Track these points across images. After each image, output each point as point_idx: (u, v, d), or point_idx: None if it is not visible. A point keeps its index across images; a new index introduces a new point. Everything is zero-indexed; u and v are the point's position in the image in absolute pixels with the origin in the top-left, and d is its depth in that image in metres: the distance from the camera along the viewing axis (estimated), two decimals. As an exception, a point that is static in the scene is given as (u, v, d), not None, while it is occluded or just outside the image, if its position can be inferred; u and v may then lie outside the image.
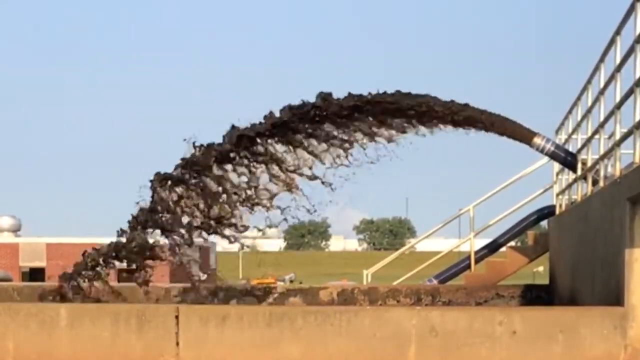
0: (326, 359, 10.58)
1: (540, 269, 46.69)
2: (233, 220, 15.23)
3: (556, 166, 18.76)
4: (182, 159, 15.07)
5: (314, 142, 15.11)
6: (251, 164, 15.18)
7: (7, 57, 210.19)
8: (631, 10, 11.23)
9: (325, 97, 14.81)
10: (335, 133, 15.04)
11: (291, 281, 56.74)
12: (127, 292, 15.51)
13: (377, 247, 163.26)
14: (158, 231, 15.23)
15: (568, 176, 17.11)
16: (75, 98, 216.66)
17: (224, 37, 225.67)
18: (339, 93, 14.91)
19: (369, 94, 14.79)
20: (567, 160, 15.69)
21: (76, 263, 15.28)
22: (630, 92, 11.11)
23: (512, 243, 21.13)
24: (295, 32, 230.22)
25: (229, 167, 15.16)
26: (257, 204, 15.24)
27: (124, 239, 15.13)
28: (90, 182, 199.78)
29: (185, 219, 15.15)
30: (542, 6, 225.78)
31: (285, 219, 15.30)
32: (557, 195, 18.89)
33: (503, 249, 20.58)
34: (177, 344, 10.78)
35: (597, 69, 13.75)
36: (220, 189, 15.15)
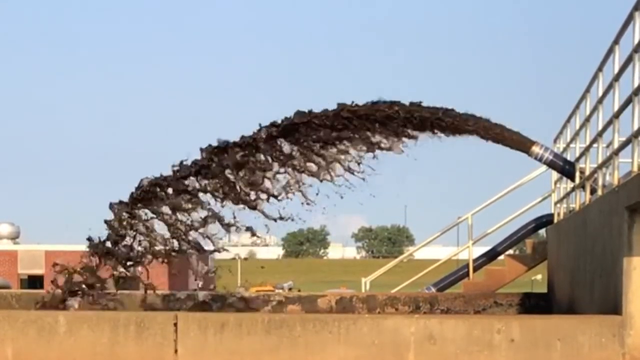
0: (325, 367, 10.59)
1: (539, 277, 46.72)
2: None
3: (554, 175, 18.78)
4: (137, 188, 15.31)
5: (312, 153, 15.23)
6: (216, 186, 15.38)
7: (5, 62, 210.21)
8: (629, 19, 11.25)
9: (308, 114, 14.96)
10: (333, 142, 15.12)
11: (289, 289, 56.73)
12: (125, 299, 15.52)
13: (375, 254, 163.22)
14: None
15: (566, 185, 17.13)
16: (74, 105, 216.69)
17: (221, 42, 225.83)
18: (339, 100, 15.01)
19: (366, 103, 14.84)
20: (566, 168, 15.70)
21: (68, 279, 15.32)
22: (628, 101, 11.13)
23: (511, 251, 21.15)
24: (296, 38, 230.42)
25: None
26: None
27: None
28: (89, 190, 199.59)
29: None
30: (540, 14, 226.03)
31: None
32: (556, 203, 18.91)
33: (501, 257, 20.60)
34: (176, 351, 10.78)
35: (595, 77, 13.77)
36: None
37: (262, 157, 15.30)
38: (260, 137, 15.19)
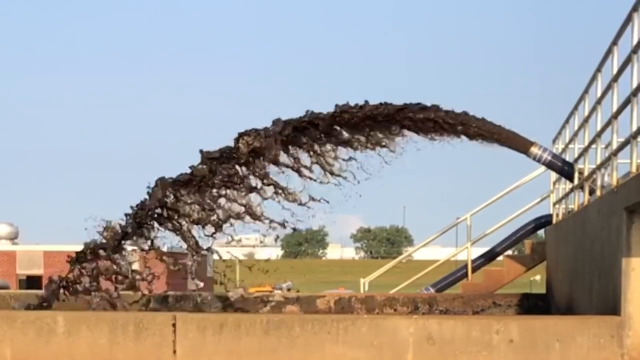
0: (323, 367, 10.60)
1: (537, 277, 46.75)
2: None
3: (553, 175, 18.78)
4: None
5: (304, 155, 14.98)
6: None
7: (4, 62, 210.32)
8: (628, 20, 11.26)
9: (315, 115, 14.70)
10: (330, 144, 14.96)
11: (288, 289, 56.70)
12: (124, 299, 15.51)
13: (374, 255, 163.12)
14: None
15: (565, 185, 17.13)
16: (74, 105, 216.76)
17: (225, 45, 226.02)
18: (336, 101, 14.92)
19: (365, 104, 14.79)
20: (564, 169, 15.70)
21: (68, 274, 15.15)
22: (627, 102, 11.14)
23: (509, 252, 21.15)
24: (298, 40, 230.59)
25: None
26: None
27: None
28: (88, 190, 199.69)
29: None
30: (539, 15, 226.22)
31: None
32: (554, 204, 18.91)
33: (500, 257, 20.60)
34: (174, 351, 10.78)
35: (594, 78, 13.77)
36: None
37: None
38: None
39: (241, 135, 14.69)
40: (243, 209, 14.86)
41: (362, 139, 14.90)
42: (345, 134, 14.83)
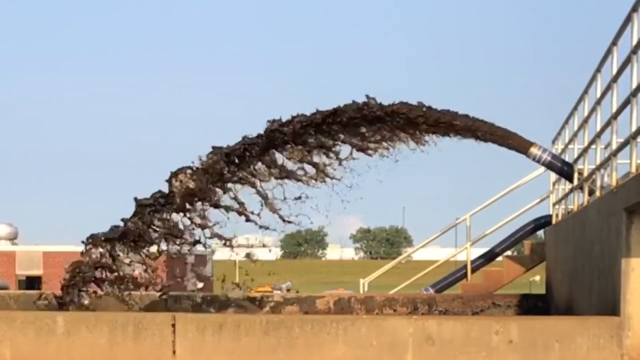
0: (323, 368, 10.60)
1: (537, 278, 46.78)
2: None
3: (553, 176, 18.78)
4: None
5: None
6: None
7: (4, 62, 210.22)
8: (628, 20, 11.26)
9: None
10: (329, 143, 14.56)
11: (288, 290, 56.71)
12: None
13: (373, 255, 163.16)
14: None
15: (564, 186, 17.13)
16: (74, 105, 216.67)
17: (227, 44, 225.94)
18: (335, 101, 14.76)
19: (366, 104, 14.73)
20: (564, 170, 15.71)
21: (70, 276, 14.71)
22: (626, 102, 11.14)
23: (509, 252, 21.15)
24: (299, 39, 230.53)
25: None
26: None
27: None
28: (87, 191, 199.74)
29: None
30: (539, 15, 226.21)
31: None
32: (554, 205, 18.91)
33: (500, 258, 20.60)
34: (174, 352, 10.78)
35: (593, 78, 13.77)
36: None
37: None
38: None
39: (174, 174, 13.64)
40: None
41: (311, 169, 14.17)
42: (289, 163, 13.99)
